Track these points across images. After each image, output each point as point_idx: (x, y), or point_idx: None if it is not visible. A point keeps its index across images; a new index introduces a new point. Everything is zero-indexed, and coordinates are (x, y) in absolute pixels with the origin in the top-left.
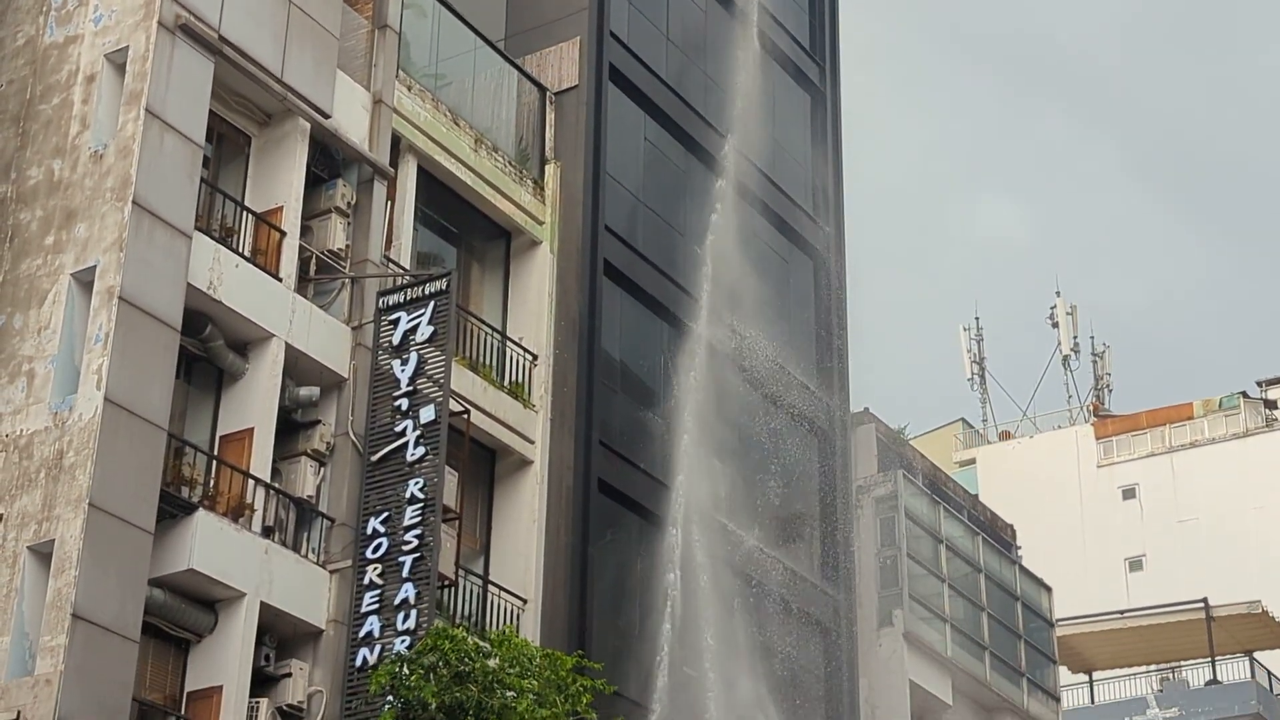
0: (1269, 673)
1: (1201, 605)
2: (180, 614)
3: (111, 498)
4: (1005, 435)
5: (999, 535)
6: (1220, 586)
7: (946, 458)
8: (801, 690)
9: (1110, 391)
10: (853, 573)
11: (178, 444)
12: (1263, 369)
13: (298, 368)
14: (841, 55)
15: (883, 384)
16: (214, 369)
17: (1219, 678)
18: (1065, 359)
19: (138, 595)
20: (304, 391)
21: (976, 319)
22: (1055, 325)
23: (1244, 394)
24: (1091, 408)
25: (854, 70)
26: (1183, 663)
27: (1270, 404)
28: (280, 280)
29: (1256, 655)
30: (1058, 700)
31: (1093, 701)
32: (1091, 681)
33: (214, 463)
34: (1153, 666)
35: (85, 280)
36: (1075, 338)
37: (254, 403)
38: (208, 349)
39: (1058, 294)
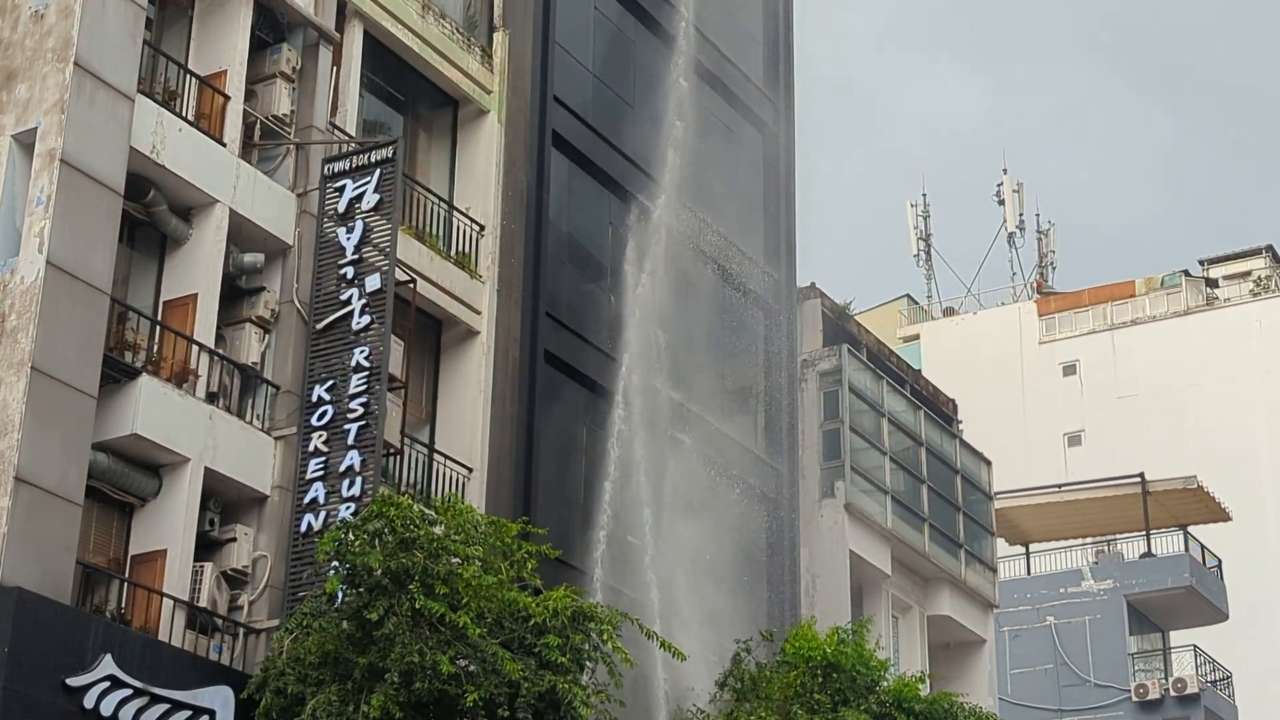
0: (1202, 546)
1: (1138, 480)
2: (124, 478)
3: (54, 361)
4: (949, 312)
5: (941, 410)
6: (1157, 462)
7: (891, 333)
8: (744, 559)
9: (1054, 269)
10: (796, 445)
11: (121, 309)
12: (1206, 248)
13: (242, 234)
14: None
15: (829, 259)
16: (157, 234)
17: (1153, 551)
18: (1010, 236)
19: (81, 459)
20: (248, 258)
21: (924, 195)
22: (1001, 202)
23: (1186, 273)
24: (1035, 285)
25: None
26: (1118, 536)
27: (1212, 283)
28: (224, 145)
29: (1191, 529)
30: (995, 571)
31: (1029, 573)
32: (1028, 553)
33: (157, 328)
34: (1089, 539)
35: (26, 142)
36: (1021, 215)
37: (198, 268)
38: (151, 214)
39: (1004, 170)
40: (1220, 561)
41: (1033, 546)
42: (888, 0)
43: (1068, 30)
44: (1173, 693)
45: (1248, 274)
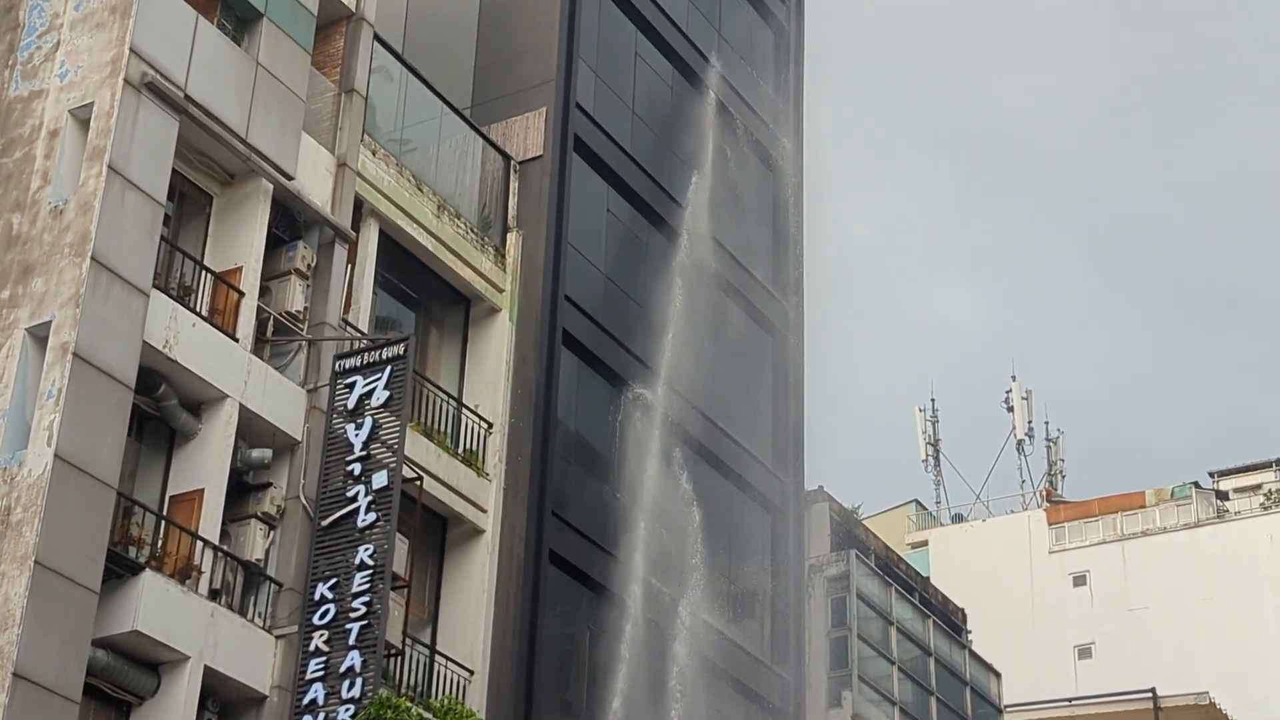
0: None
1: (1150, 695)
2: (123, 676)
3: (58, 556)
4: (958, 518)
5: (950, 619)
6: (1169, 677)
7: (899, 539)
8: None
9: (1063, 477)
10: (803, 652)
11: (127, 503)
12: (1215, 460)
13: (251, 429)
14: (806, 134)
15: (838, 464)
16: (166, 428)
17: None
18: (1019, 444)
19: (80, 655)
20: (256, 453)
21: (932, 401)
22: (1010, 409)
23: (1196, 484)
24: (1044, 493)
25: (818, 152)
26: None
27: (1222, 495)
28: (237, 341)
29: None
30: None
31: None
32: None
33: (163, 523)
34: None
35: (40, 335)
36: (1030, 423)
37: (205, 463)
38: (161, 408)
39: (1013, 378)
40: None
41: None
42: (891, 207)
43: (1067, 238)
44: None
45: (1258, 487)
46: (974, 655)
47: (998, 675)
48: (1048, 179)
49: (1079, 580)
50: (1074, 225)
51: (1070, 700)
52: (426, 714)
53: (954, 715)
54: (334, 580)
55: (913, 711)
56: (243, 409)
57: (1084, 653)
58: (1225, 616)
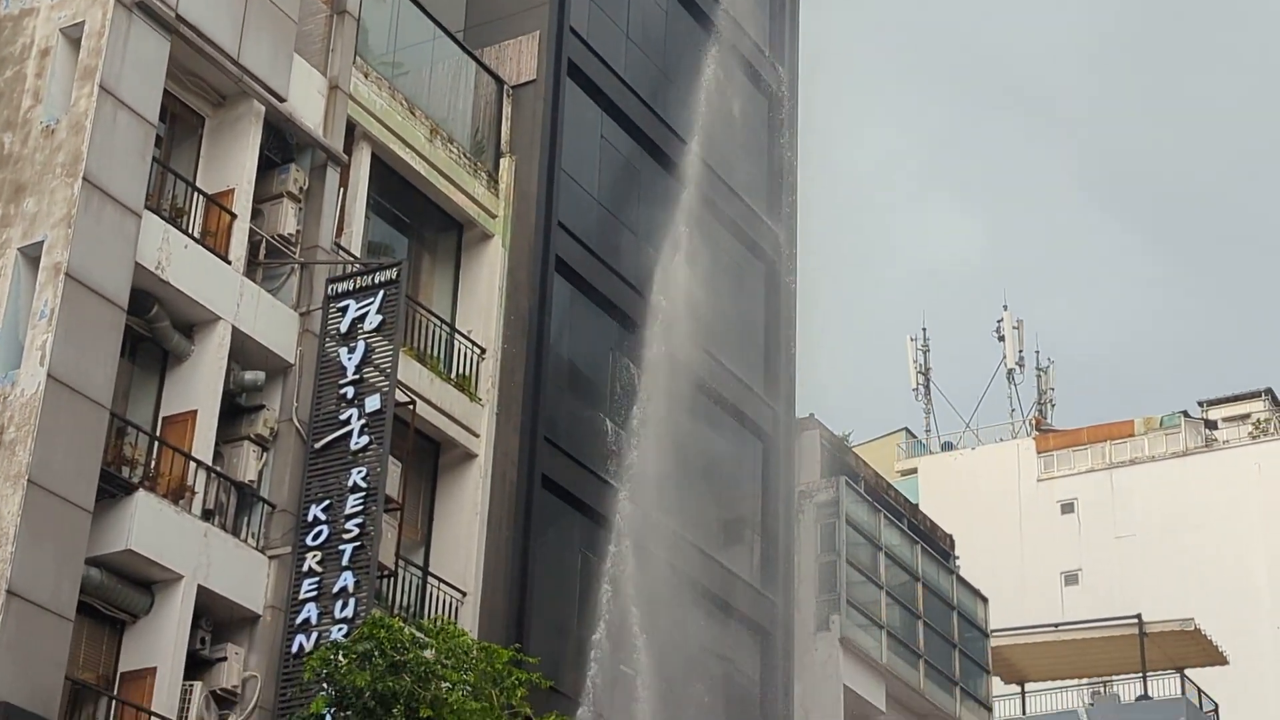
0: (1199, 690)
1: (1135, 621)
2: (116, 594)
3: (51, 475)
4: (948, 447)
5: (938, 545)
6: (1155, 603)
7: (889, 467)
8: (737, 692)
9: (1053, 407)
10: (792, 577)
11: (120, 423)
12: (1205, 389)
13: (244, 351)
14: (800, 62)
15: (828, 391)
16: (159, 349)
17: (1150, 693)
18: (1010, 373)
19: (74, 574)
20: (249, 376)
21: (924, 330)
22: (1001, 339)
23: (1185, 414)
24: (1034, 422)
25: (812, 77)
26: (1115, 677)
27: (1210, 424)
28: (229, 263)
29: (1188, 672)
30: (990, 710)
31: (1024, 712)
32: (1024, 693)
33: (156, 444)
34: (1085, 680)
35: (32, 255)
36: (1020, 352)
37: (198, 385)
38: (153, 329)
39: (1005, 308)
40: (1217, 705)
41: (1029, 686)
42: (886, 135)
43: (1061, 168)
44: None
45: (1247, 416)
46: (961, 581)
47: (985, 600)
48: (1042, 108)
49: (1067, 508)
50: (1069, 155)
51: (1056, 625)
52: (419, 634)
53: (941, 639)
54: (327, 502)
55: (900, 636)
56: (235, 331)
57: (1071, 579)
58: (1212, 544)
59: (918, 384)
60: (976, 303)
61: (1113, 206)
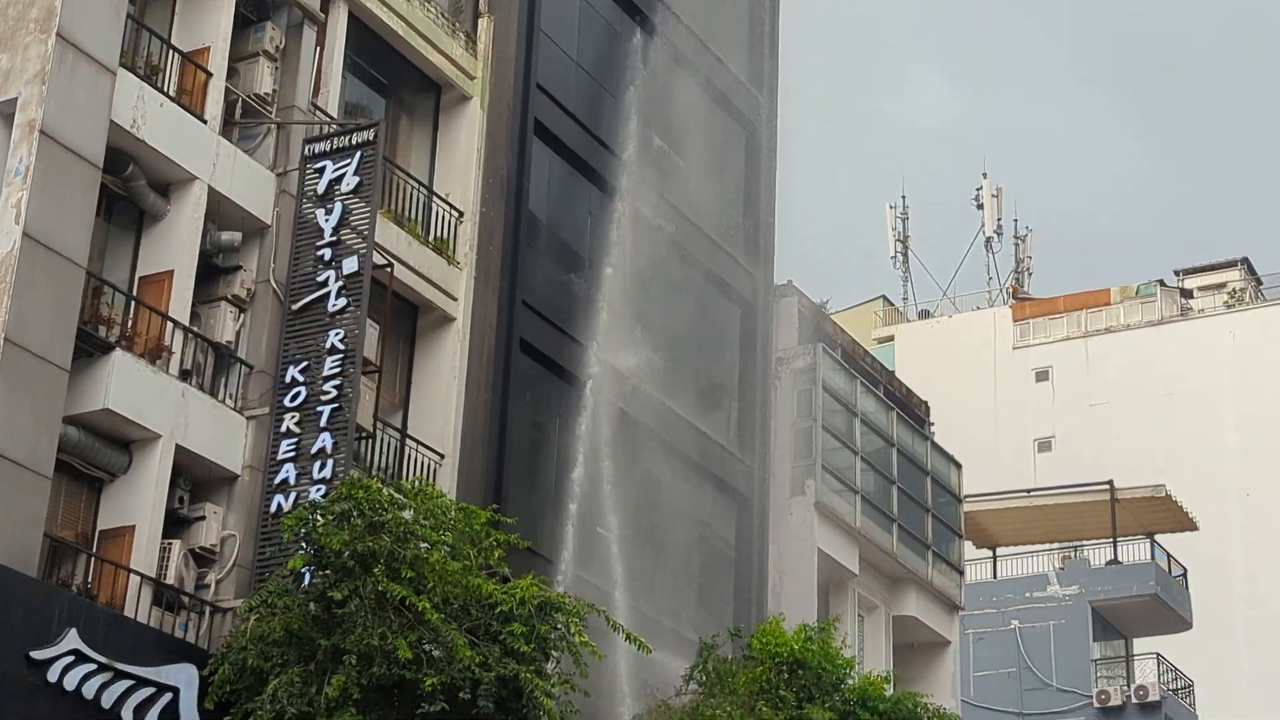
0: (1169, 555)
1: (1106, 487)
2: (94, 453)
3: (27, 333)
4: (924, 314)
5: (913, 411)
6: (1126, 470)
7: (866, 334)
8: (712, 554)
9: (1030, 275)
10: (768, 442)
11: (96, 283)
12: (1181, 259)
13: (220, 212)
14: None
15: (807, 258)
16: (135, 209)
17: (1120, 558)
18: (988, 241)
19: (52, 432)
20: (225, 236)
21: (903, 197)
22: (980, 207)
23: (1161, 283)
24: (1011, 290)
25: None
26: (1085, 542)
27: (1186, 293)
28: (205, 122)
29: (1157, 538)
30: (961, 573)
31: (995, 577)
32: (995, 557)
33: (132, 303)
34: (1055, 545)
35: (6, 113)
36: (999, 220)
37: (174, 245)
38: (129, 188)
39: (984, 176)
40: (1186, 571)
41: (1000, 550)
42: (863, 4)
43: (1045, 35)
44: (1134, 700)
45: (1222, 286)
46: (935, 447)
47: (958, 466)
48: None
49: (1041, 375)
50: (1051, 23)
51: (1029, 491)
52: (398, 495)
53: (914, 504)
54: (305, 364)
55: (874, 500)
56: (211, 191)
57: (1044, 446)
58: (1185, 413)
59: (896, 252)
60: (956, 171)
61: (1094, 75)
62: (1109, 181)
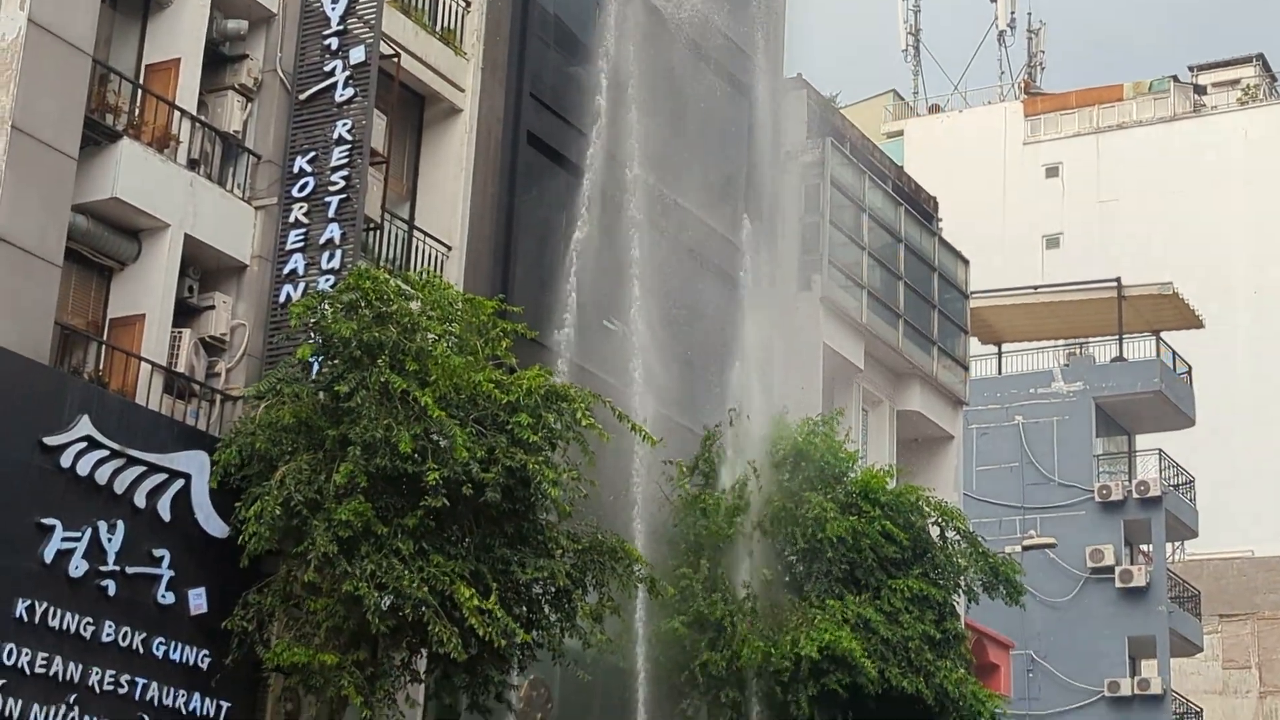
0: (1174, 352)
1: (1114, 284)
2: (103, 241)
3: (35, 120)
4: (935, 109)
5: (921, 206)
6: (1134, 267)
7: (875, 129)
8: (717, 348)
9: (1043, 70)
10: (775, 237)
11: (103, 70)
12: (1195, 54)
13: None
14: None
15: (817, 52)
16: None
17: (1125, 355)
18: (1001, 35)
19: (60, 220)
20: (232, 24)
21: None
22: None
23: (1174, 79)
24: (1023, 85)
25: None
26: (1091, 339)
27: (1200, 90)
28: None
29: (1163, 335)
30: (966, 369)
31: (1000, 372)
32: (1000, 353)
33: (139, 92)
34: (1061, 341)
35: None
36: (1013, 13)
37: (181, 32)
38: None
39: None
40: (1190, 368)
41: (1005, 346)
42: None
43: None
44: (1135, 494)
45: (1236, 82)
46: (943, 243)
47: (966, 262)
48: None
49: (1051, 172)
50: None
51: (1036, 288)
52: (405, 286)
53: (921, 300)
54: (312, 154)
55: (880, 296)
56: None
57: (1052, 243)
58: (1194, 210)
59: (907, 45)
60: None
61: None
62: None
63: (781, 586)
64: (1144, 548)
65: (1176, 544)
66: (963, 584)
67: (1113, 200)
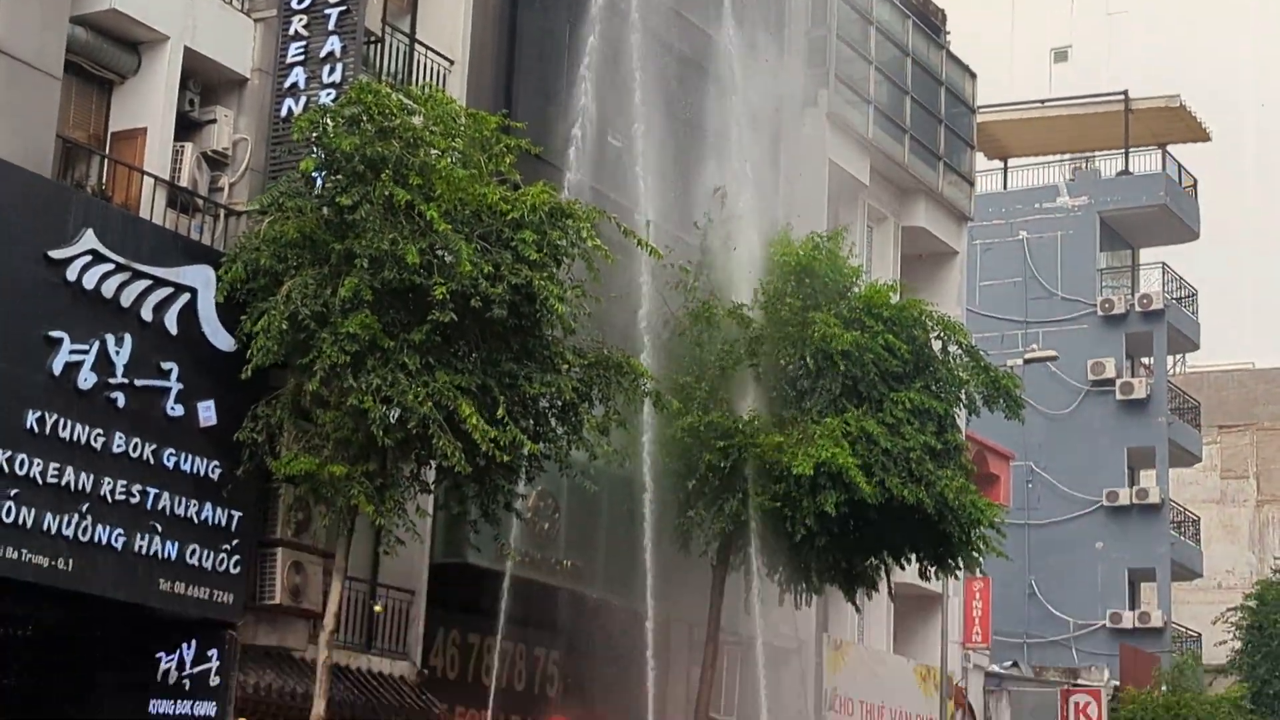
0: (1180, 165)
1: (1121, 97)
2: (103, 54)
3: None
4: None
5: (929, 20)
6: (1143, 81)
7: None
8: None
9: None
10: (781, 50)
11: None
12: None
13: None
14: None
15: None
16: None
17: (1131, 169)
18: None
19: (59, 31)
20: None
21: None
22: None
23: None
24: None
25: None
26: (1097, 153)
27: None
28: None
29: (1170, 148)
30: (971, 184)
31: (1005, 187)
32: (1006, 168)
33: None
34: (1067, 156)
35: None
36: None
37: None
38: None
39: None
40: (1196, 181)
41: (1011, 161)
42: None
43: None
44: (1138, 308)
45: None
46: (951, 56)
47: (973, 76)
48: None
49: None
50: None
51: (1043, 102)
52: (407, 101)
53: (928, 115)
54: None
55: (887, 111)
56: None
57: (1060, 56)
58: (1203, 23)
59: None
60: None
61: None
62: None
63: (785, 404)
64: (1145, 361)
65: (1178, 356)
66: (963, 397)
67: (1121, 12)
